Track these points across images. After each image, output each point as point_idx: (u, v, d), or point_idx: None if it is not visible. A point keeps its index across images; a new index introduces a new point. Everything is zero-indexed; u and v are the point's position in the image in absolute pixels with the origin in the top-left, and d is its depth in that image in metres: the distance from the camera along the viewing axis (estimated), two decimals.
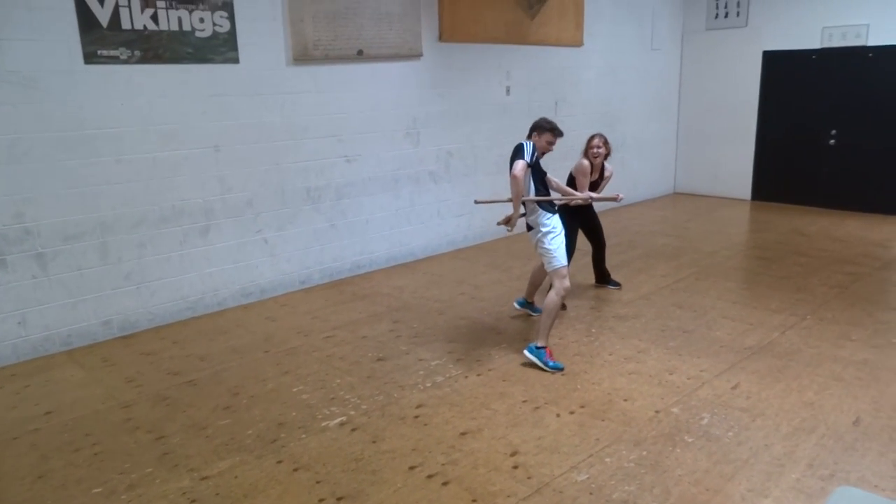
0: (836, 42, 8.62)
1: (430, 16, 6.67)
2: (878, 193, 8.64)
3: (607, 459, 3.26)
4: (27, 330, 4.66)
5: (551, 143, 4.49)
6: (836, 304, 5.34)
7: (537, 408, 3.79)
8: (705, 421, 3.59)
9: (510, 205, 4.34)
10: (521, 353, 4.42)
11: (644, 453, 3.30)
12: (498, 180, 7.67)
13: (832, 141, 8.93)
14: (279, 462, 3.33)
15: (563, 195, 4.85)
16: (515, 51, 7.59)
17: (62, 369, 4.53)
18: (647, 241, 7.56)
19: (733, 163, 9.87)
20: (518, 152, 4.30)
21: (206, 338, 5.00)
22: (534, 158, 4.31)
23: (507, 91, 7.64)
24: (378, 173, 6.53)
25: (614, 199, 5.13)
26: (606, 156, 5.44)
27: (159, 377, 4.36)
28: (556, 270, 4.38)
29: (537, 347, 4.34)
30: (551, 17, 7.83)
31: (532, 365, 4.31)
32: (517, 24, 7.47)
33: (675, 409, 3.73)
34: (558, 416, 3.69)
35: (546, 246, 4.38)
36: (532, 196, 4.42)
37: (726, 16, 9.62)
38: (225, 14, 5.24)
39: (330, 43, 5.88)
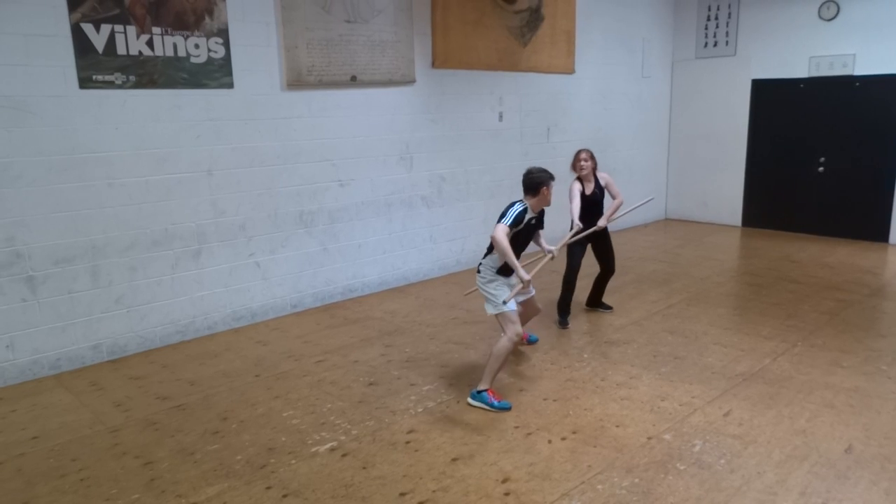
0: (824, 71, 8.76)
1: (423, 43, 6.75)
2: (867, 220, 8.72)
3: (599, 486, 3.24)
4: (15, 353, 4.62)
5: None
6: (826, 331, 5.36)
7: (529, 434, 3.77)
8: (697, 448, 3.58)
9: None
10: (507, 384, 4.40)
11: (636, 480, 3.28)
12: (490, 205, 7.73)
13: (821, 168, 9.03)
14: (268, 488, 3.29)
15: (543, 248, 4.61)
16: (508, 77, 7.68)
17: (50, 394, 4.48)
18: (639, 266, 7.59)
19: (723, 189, 9.96)
20: (503, 215, 4.15)
21: (197, 362, 4.97)
22: (524, 220, 4.14)
23: (500, 117, 7.71)
24: (371, 198, 6.55)
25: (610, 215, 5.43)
26: (594, 168, 5.49)
27: (148, 402, 4.32)
28: (503, 315, 4.13)
29: (478, 392, 4.12)
30: (543, 45, 7.94)
31: (479, 409, 4.11)
32: (509, 51, 7.57)
33: (666, 436, 3.72)
34: (550, 442, 3.68)
35: (491, 291, 4.20)
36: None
37: (715, 45, 9.77)
38: (220, 40, 5.29)
39: (324, 69, 5.93)
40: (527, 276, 4.11)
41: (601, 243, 5.70)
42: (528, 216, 4.17)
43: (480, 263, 4.35)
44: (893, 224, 8.52)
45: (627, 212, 5.66)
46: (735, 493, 3.16)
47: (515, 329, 4.10)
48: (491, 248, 4.22)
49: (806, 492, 3.16)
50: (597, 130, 9.00)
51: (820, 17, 8.71)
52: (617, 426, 3.84)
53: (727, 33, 9.62)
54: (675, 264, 7.70)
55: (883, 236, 8.60)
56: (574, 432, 3.78)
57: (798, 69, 8.99)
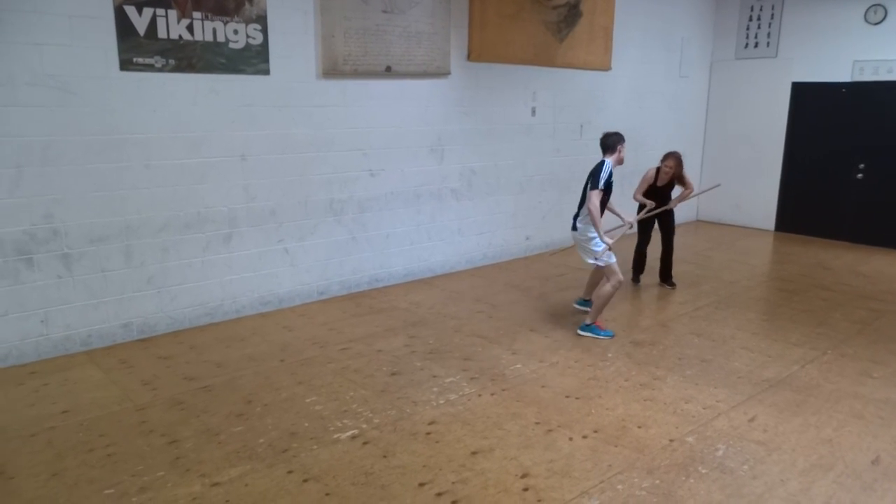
0: (868, 76, 8.56)
1: (459, 35, 6.74)
2: None
3: (619, 486, 3.22)
4: (49, 329, 4.73)
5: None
6: (858, 341, 5.25)
7: (550, 430, 3.77)
8: (720, 452, 3.55)
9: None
10: (530, 379, 4.41)
11: (657, 482, 3.26)
12: (520, 200, 7.71)
13: (860, 175, 8.83)
14: (289, 472, 3.34)
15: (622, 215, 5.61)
16: (543, 72, 7.63)
17: (81, 369, 4.59)
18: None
19: (758, 193, 9.79)
20: (595, 176, 5.07)
21: (223, 344, 5.05)
22: (610, 180, 5.09)
23: (533, 112, 7.67)
24: (401, 188, 6.57)
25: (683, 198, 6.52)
26: (678, 174, 6.38)
27: (175, 381, 4.40)
28: (608, 266, 5.12)
29: (587, 325, 5.21)
30: (580, 41, 7.87)
31: (588, 340, 5.13)
32: (546, 46, 7.52)
33: (689, 439, 3.68)
34: (571, 439, 3.67)
35: (594, 249, 5.14)
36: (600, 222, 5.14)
37: (756, 46, 9.59)
38: (258, 27, 5.34)
39: (359, 58, 5.95)
40: (609, 241, 5.11)
41: (665, 222, 6.63)
42: (612, 176, 5.13)
43: (577, 219, 5.25)
44: None
45: (695, 195, 6.75)
46: (757, 500, 3.12)
47: (617, 277, 5.11)
48: (581, 206, 5.21)
49: (830, 502, 3.11)
50: (631, 129, 8.82)
51: (866, 20, 8.49)
52: (639, 427, 3.82)
53: (769, 34, 9.43)
54: (705, 267, 7.60)
55: None
56: (595, 431, 3.76)
57: (841, 73, 8.78)
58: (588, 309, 5.60)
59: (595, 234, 5.11)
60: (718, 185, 7.33)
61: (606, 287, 5.14)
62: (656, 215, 6.40)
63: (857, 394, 4.29)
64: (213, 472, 3.34)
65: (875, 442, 3.68)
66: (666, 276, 6.79)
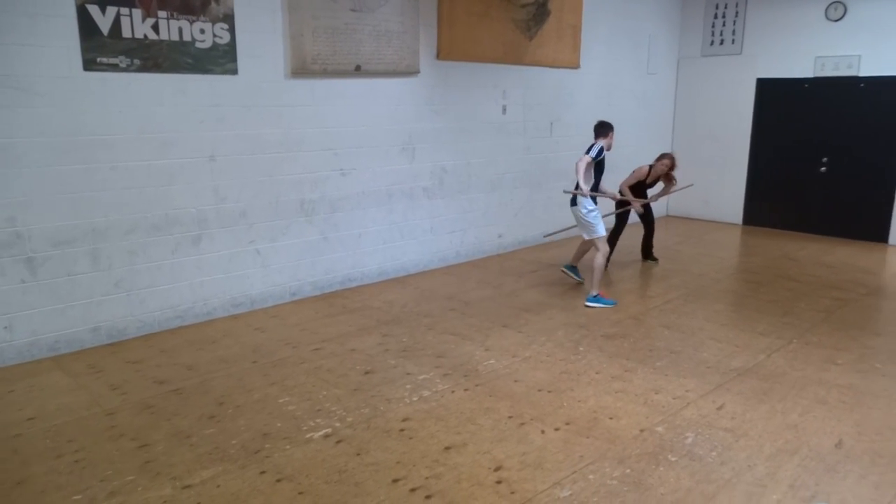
0: (829, 72, 8.75)
1: (428, 34, 6.75)
2: (868, 221, 8.72)
3: (590, 476, 3.26)
4: (13, 335, 4.64)
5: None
6: (822, 329, 5.37)
7: (523, 424, 3.80)
8: (689, 440, 3.61)
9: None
10: (511, 363, 4.44)
11: (627, 471, 3.31)
12: (492, 197, 7.75)
13: (823, 168, 9.03)
14: (262, 472, 3.32)
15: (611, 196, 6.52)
16: (513, 70, 7.67)
17: (48, 375, 4.51)
18: (638, 261, 7.60)
19: (725, 187, 9.96)
20: (588, 149, 5.89)
21: (194, 347, 5.00)
22: (599, 155, 5.88)
23: (504, 110, 7.71)
24: (372, 188, 6.57)
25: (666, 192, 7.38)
26: (667, 172, 7.16)
27: (145, 385, 4.35)
28: (598, 238, 5.97)
29: (593, 297, 5.89)
30: (549, 39, 7.93)
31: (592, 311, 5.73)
32: (515, 44, 7.57)
33: (659, 428, 3.74)
34: (543, 432, 3.70)
35: (588, 220, 5.93)
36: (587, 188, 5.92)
37: (721, 43, 9.75)
38: (226, 26, 5.30)
39: (329, 58, 5.94)
40: (612, 192, 6.45)
41: (646, 214, 7.46)
42: (604, 153, 5.95)
43: (575, 197, 5.95)
44: (893, 225, 8.53)
45: (670, 193, 7.49)
46: (725, 485, 3.18)
47: (605, 248, 6.04)
48: (577, 183, 5.84)
49: (795, 484, 3.18)
50: None
51: (827, 17, 8.69)
52: (610, 418, 3.86)
53: (734, 31, 9.60)
54: (675, 260, 7.71)
55: (883, 237, 8.61)
56: (567, 423, 3.80)
57: (803, 69, 8.98)
58: (573, 274, 6.65)
59: (594, 209, 5.93)
60: (691, 185, 7.91)
61: (598, 258, 5.95)
62: (628, 210, 7.23)
63: (821, 380, 4.39)
64: (185, 474, 3.31)
65: (838, 426, 3.77)
66: (648, 253, 7.62)
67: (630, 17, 9.21)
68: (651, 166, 7.20)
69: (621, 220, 7.34)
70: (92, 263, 4.91)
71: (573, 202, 6.05)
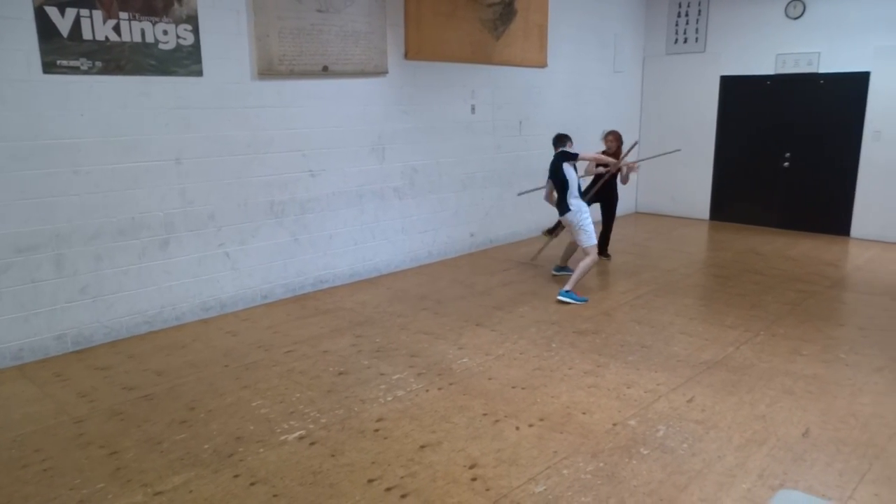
0: (790, 69, 8.94)
1: (396, 34, 6.74)
2: (829, 215, 8.93)
3: (565, 471, 3.29)
4: None
5: None
6: (788, 321, 5.49)
7: (497, 421, 3.81)
8: (661, 433, 3.66)
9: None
10: (476, 373, 4.45)
11: (601, 465, 3.34)
12: (463, 197, 7.76)
13: (786, 163, 9.22)
14: (236, 476, 3.29)
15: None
16: (481, 70, 7.70)
17: (12, 384, 4.41)
18: (605, 258, 7.67)
19: (692, 184, 10.12)
20: (570, 156, 6.14)
21: (164, 352, 4.93)
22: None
23: (473, 109, 7.74)
24: (342, 188, 6.53)
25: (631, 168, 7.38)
26: (617, 149, 7.35)
27: (114, 392, 4.27)
28: (590, 247, 6.09)
29: (566, 291, 5.99)
30: (516, 39, 7.98)
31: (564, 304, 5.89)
32: (482, 44, 7.59)
33: (631, 422, 3.78)
34: (517, 428, 3.72)
35: (584, 226, 6.04)
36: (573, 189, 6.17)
37: (685, 41, 9.90)
38: (189, 27, 5.23)
39: (295, 58, 5.90)
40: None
41: (608, 205, 7.53)
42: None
43: (568, 203, 6.10)
44: (855, 218, 8.73)
45: (656, 156, 8.23)
46: (696, 476, 3.23)
47: (595, 257, 6.12)
48: (563, 191, 6.11)
49: (764, 474, 3.25)
50: (569, 124, 9.01)
51: (787, 15, 8.88)
52: (583, 413, 3.90)
53: (697, 30, 9.76)
54: (644, 256, 7.81)
55: (845, 230, 8.82)
56: (541, 419, 3.83)
57: (765, 66, 9.16)
58: (563, 274, 6.75)
59: (587, 213, 6.12)
60: (678, 149, 8.41)
61: (587, 261, 6.05)
62: (598, 194, 7.35)
63: (787, 371, 4.48)
64: (156, 480, 3.26)
65: (805, 415, 3.86)
66: (602, 249, 7.51)
67: (596, 16, 9.30)
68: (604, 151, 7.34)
69: (608, 216, 7.57)
70: (56, 269, 4.81)
71: (565, 210, 6.11)
